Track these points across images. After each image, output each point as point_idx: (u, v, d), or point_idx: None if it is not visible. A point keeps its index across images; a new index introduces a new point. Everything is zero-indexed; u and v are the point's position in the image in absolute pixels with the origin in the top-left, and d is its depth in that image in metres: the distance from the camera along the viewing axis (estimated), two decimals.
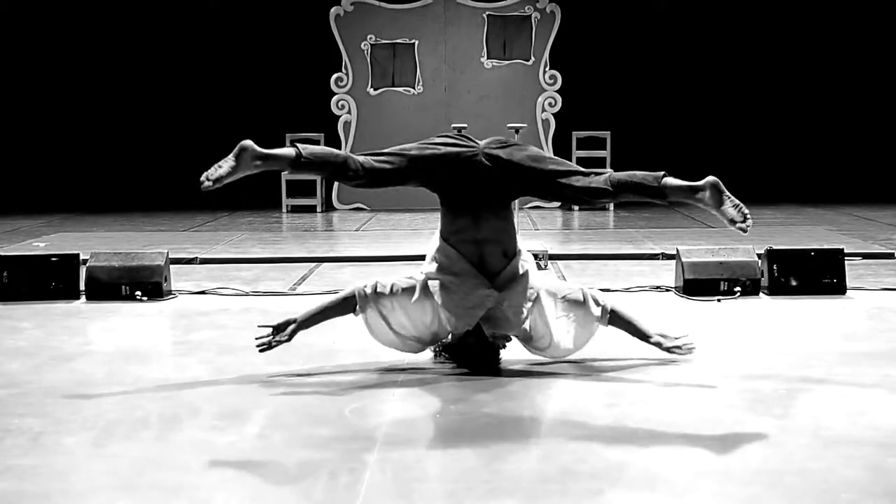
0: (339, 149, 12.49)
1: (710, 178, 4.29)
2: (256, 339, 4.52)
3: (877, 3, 13.54)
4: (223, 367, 4.63)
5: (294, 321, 4.54)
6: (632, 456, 3.33)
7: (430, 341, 4.56)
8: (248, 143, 4.26)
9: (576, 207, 12.16)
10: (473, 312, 4.39)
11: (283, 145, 10.78)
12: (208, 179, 4.22)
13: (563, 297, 4.54)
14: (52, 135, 13.79)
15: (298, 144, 4.34)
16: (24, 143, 13.83)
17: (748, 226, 4.25)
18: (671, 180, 4.32)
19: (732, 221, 4.27)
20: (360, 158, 4.38)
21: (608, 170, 4.45)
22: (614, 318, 4.59)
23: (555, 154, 12.40)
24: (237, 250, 8.61)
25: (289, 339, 4.51)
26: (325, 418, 3.78)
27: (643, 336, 4.65)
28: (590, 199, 4.48)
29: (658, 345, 4.62)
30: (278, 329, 4.52)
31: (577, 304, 4.54)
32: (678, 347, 4.62)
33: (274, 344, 4.49)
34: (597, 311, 4.54)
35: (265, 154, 4.27)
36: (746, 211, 4.28)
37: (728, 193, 4.30)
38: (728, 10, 13.56)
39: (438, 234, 4.56)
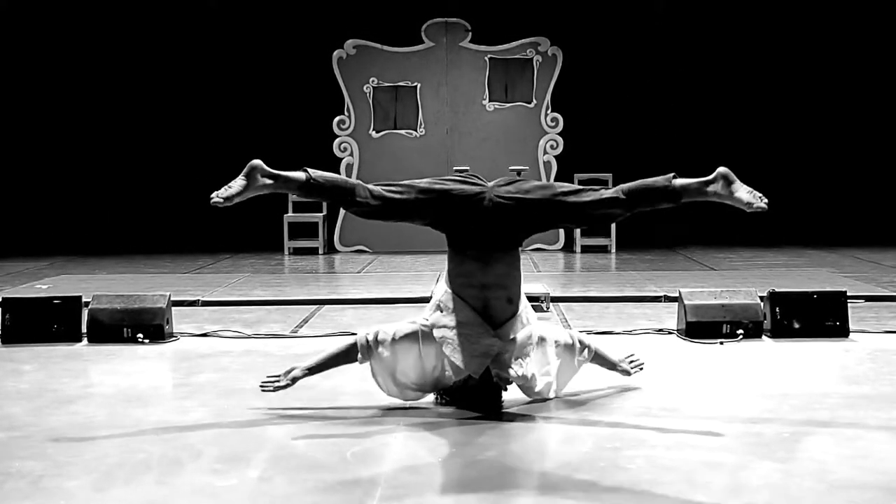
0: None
1: (721, 169, 4.35)
2: (261, 383, 4.58)
3: (881, 46, 13.59)
4: (224, 409, 4.62)
5: (297, 369, 4.59)
6: (635, 500, 3.31)
7: (431, 389, 4.57)
8: (258, 162, 4.29)
9: (578, 249, 12.18)
10: (481, 361, 4.39)
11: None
12: (218, 197, 4.22)
13: (556, 342, 4.66)
14: (55, 177, 13.82)
15: (308, 169, 4.34)
16: (26, 185, 13.85)
17: (765, 203, 4.27)
18: (682, 180, 4.38)
19: (749, 205, 4.29)
20: (371, 187, 4.39)
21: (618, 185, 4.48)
22: (595, 357, 4.86)
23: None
24: (239, 293, 8.61)
25: (291, 384, 4.55)
26: (326, 462, 3.76)
27: (612, 366, 4.96)
28: (604, 212, 4.44)
29: (624, 372, 4.98)
30: (284, 375, 4.58)
31: (568, 348, 4.72)
32: (628, 370, 4.98)
33: (275, 388, 4.53)
34: (584, 355, 4.78)
35: (275, 174, 4.30)
36: (759, 193, 4.30)
37: (738, 181, 4.33)
38: (730, 53, 13.62)
39: (444, 280, 4.57)
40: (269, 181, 4.29)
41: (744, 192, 4.30)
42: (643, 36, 13.56)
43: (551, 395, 4.66)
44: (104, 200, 13.82)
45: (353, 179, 4.44)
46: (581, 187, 4.53)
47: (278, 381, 4.56)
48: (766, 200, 4.28)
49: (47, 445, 4.01)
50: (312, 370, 4.60)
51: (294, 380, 4.56)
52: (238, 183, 4.26)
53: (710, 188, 4.34)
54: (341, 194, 4.39)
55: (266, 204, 13.12)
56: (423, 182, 4.46)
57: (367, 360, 4.53)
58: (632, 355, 5.09)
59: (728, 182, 4.32)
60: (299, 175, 4.33)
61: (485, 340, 4.38)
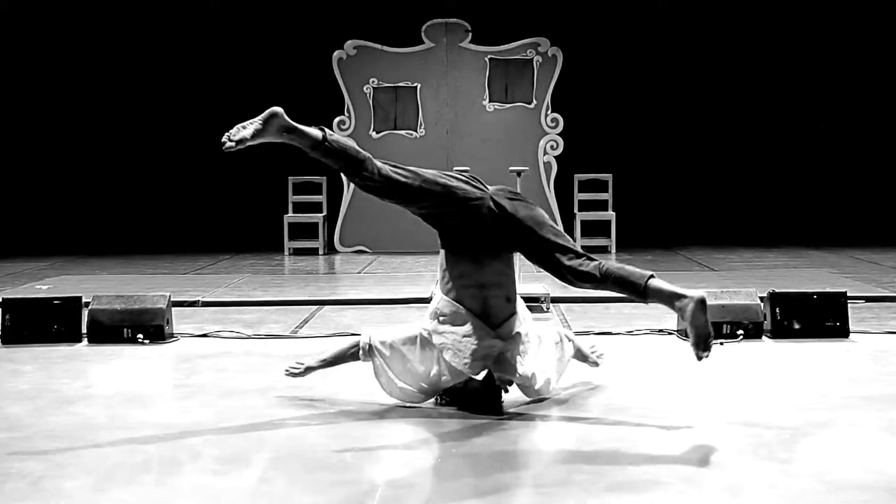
0: (343, 190, 12.62)
1: (699, 293, 4.24)
2: (287, 368, 4.86)
3: (881, 46, 13.59)
4: (224, 410, 4.62)
5: (312, 359, 4.81)
6: (634, 500, 3.31)
7: (432, 392, 4.58)
8: (279, 109, 4.27)
9: (579, 246, 12.19)
10: (482, 363, 4.40)
11: (285, 191, 10.91)
12: (230, 140, 4.18)
13: (549, 340, 4.73)
14: (55, 178, 13.82)
15: (326, 129, 4.32)
16: (27, 185, 13.86)
17: (705, 356, 4.26)
18: (656, 283, 4.29)
19: (696, 345, 4.23)
20: (378, 164, 4.37)
21: (603, 260, 4.41)
22: (575, 351, 5.00)
23: (556, 196, 12.52)
24: (239, 293, 8.61)
25: (305, 373, 4.81)
26: (326, 462, 3.76)
27: (584, 358, 5.10)
28: (574, 281, 4.38)
29: (594, 364, 5.12)
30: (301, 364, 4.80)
31: (558, 345, 4.79)
32: (597, 362, 5.13)
33: (294, 374, 4.79)
34: (570, 349, 4.89)
35: (292, 126, 4.27)
36: (712, 344, 4.26)
37: (707, 317, 4.22)
38: (730, 53, 13.62)
39: (438, 287, 4.58)
40: (285, 132, 4.24)
41: (703, 330, 4.20)
42: (643, 36, 13.56)
43: (549, 392, 4.68)
44: (104, 201, 13.83)
45: (365, 152, 4.39)
46: (569, 245, 4.42)
47: (298, 368, 4.79)
48: (709, 354, 4.24)
49: (47, 446, 4.01)
50: (325, 362, 4.78)
51: (308, 369, 4.77)
52: (254, 126, 4.21)
53: (679, 304, 4.24)
54: (350, 162, 4.33)
55: (266, 204, 13.19)
56: (430, 173, 4.44)
57: (368, 360, 4.60)
58: (593, 346, 5.21)
59: (700, 310, 4.19)
60: (316, 132, 4.29)
61: (486, 342, 4.40)
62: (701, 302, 4.20)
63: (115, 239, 13.46)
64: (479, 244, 4.45)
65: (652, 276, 4.32)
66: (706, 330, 4.23)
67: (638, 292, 4.32)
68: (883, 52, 13.60)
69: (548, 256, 4.40)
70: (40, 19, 13.59)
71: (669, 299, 4.27)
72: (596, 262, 4.36)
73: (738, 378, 5.35)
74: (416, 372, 4.51)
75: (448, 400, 4.60)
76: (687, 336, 4.30)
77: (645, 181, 13.43)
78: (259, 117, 4.24)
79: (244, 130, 4.20)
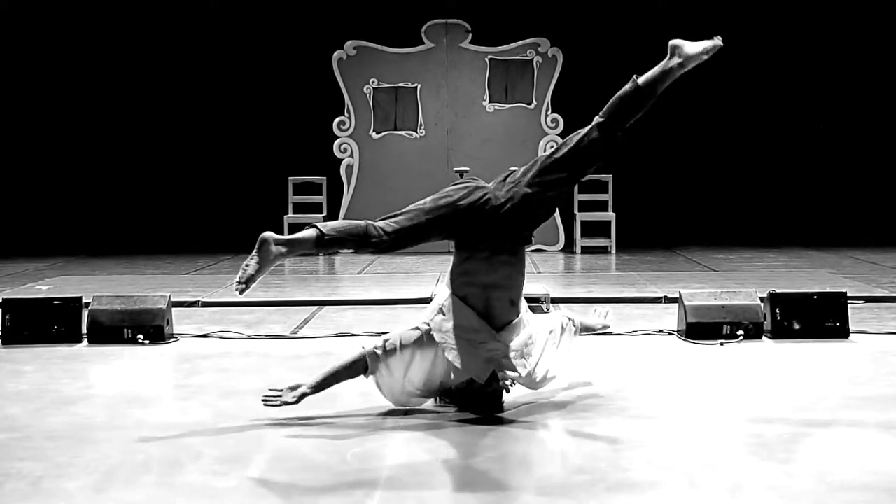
0: (343, 191, 12.63)
1: (671, 42, 4.53)
2: (264, 397, 4.44)
3: (881, 46, 13.60)
4: (225, 410, 4.62)
5: (304, 385, 4.46)
6: (636, 500, 3.31)
7: (435, 393, 4.57)
8: (267, 234, 4.28)
9: (578, 250, 12.19)
10: (485, 366, 4.39)
11: (285, 191, 10.91)
12: (240, 283, 4.24)
13: (552, 331, 4.71)
14: (56, 178, 13.82)
15: (318, 224, 4.33)
16: (27, 186, 13.86)
17: (719, 39, 4.48)
18: (644, 76, 4.55)
19: (706, 51, 4.49)
20: (379, 224, 4.36)
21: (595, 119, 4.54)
22: (581, 328, 5.04)
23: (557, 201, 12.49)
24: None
25: (296, 402, 4.40)
26: (326, 463, 3.76)
27: (593, 330, 5.24)
28: (594, 147, 4.47)
29: (605, 327, 5.28)
30: (289, 390, 4.45)
31: (562, 332, 4.79)
32: (607, 324, 5.29)
33: (280, 404, 4.40)
34: (574, 331, 4.91)
35: (287, 240, 4.30)
36: (712, 40, 4.49)
37: (687, 42, 4.51)
38: (730, 53, 13.59)
39: (446, 284, 4.57)
40: (282, 248, 4.27)
41: (696, 47, 4.47)
42: (643, 37, 13.53)
43: (549, 384, 4.67)
44: (105, 201, 13.82)
45: (361, 221, 4.39)
46: (561, 141, 4.60)
47: (282, 396, 4.42)
48: (719, 37, 4.45)
49: (47, 446, 4.01)
50: (318, 387, 4.48)
51: (302, 396, 4.42)
52: (253, 261, 4.25)
53: (671, 63, 4.50)
54: (356, 240, 4.35)
55: (266, 204, 13.19)
56: (428, 202, 4.42)
57: (374, 373, 4.47)
58: (595, 310, 5.33)
59: (680, 48, 4.49)
60: (311, 233, 4.30)
61: (489, 345, 4.39)
62: (675, 46, 4.51)
63: (115, 239, 13.45)
64: (497, 241, 4.44)
65: (636, 76, 4.54)
66: (698, 44, 4.49)
67: (642, 96, 4.54)
68: (882, 52, 13.60)
69: (565, 163, 4.47)
70: (40, 19, 13.59)
71: (665, 72, 4.54)
72: (593, 123, 4.50)
73: (738, 378, 5.35)
74: (422, 374, 4.47)
75: (448, 401, 4.59)
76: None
77: (645, 182, 13.42)
78: (253, 251, 4.27)
79: (248, 269, 4.24)
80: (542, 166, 4.47)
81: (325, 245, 4.35)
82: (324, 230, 4.29)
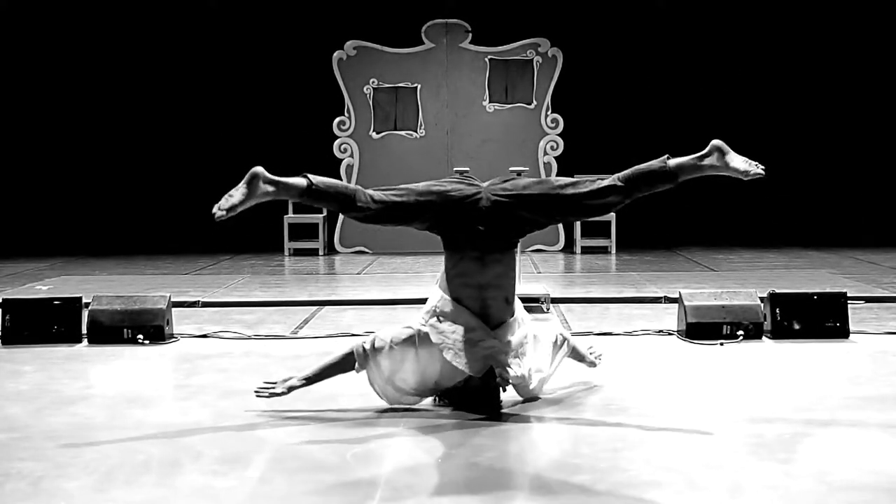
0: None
1: (715, 141, 4.43)
2: (256, 389, 4.58)
3: (880, 46, 13.60)
4: (225, 410, 4.62)
5: (294, 378, 4.59)
6: (635, 500, 3.31)
7: (430, 393, 4.58)
8: (259, 169, 4.28)
9: (578, 250, 12.18)
10: (483, 363, 4.40)
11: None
12: (220, 209, 4.20)
13: (546, 340, 4.74)
14: (56, 178, 13.84)
15: (309, 175, 4.34)
16: (27, 186, 13.87)
17: (761, 169, 4.35)
18: (677, 160, 4.45)
19: (746, 173, 4.35)
20: (370, 192, 4.42)
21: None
22: (572, 351, 4.97)
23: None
24: (239, 294, 8.60)
25: (285, 393, 4.53)
26: (326, 463, 3.76)
27: (581, 358, 5.07)
28: (602, 202, 4.45)
29: (591, 364, 5.10)
30: (282, 383, 4.57)
31: (554, 345, 4.79)
32: (594, 362, 5.11)
33: (271, 395, 4.53)
34: (565, 349, 4.87)
35: (276, 181, 4.29)
36: (754, 162, 4.37)
37: (731, 151, 4.41)
38: (730, 53, 13.62)
39: (438, 285, 4.58)
40: (270, 188, 4.28)
41: (739, 161, 4.38)
42: (643, 37, 13.56)
43: (542, 392, 4.71)
44: (105, 201, 13.83)
45: (353, 185, 4.46)
46: (576, 179, 4.58)
47: (274, 388, 4.56)
48: (762, 167, 4.35)
49: (47, 446, 4.01)
50: (310, 380, 4.60)
51: (290, 389, 4.55)
52: (239, 191, 4.25)
53: (706, 161, 4.42)
54: (342, 200, 4.39)
55: (266, 205, 13.15)
56: (421, 185, 4.48)
57: (364, 368, 4.53)
58: (591, 347, 5.19)
59: (722, 153, 4.39)
60: (300, 181, 4.33)
61: (486, 343, 4.39)
62: (718, 149, 4.40)
63: (115, 239, 13.45)
64: (484, 241, 4.45)
65: (669, 157, 4.44)
66: (741, 160, 4.38)
67: (664, 178, 4.42)
68: (882, 52, 13.60)
69: (568, 202, 4.45)
70: (40, 19, 13.59)
71: (695, 166, 4.43)
72: (611, 178, 4.43)
73: (738, 378, 5.35)
74: (415, 373, 4.49)
75: (446, 401, 4.60)
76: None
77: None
78: (242, 182, 4.26)
79: (232, 198, 4.23)
80: (546, 194, 4.45)
81: (312, 196, 4.35)
82: (314, 181, 4.31)
